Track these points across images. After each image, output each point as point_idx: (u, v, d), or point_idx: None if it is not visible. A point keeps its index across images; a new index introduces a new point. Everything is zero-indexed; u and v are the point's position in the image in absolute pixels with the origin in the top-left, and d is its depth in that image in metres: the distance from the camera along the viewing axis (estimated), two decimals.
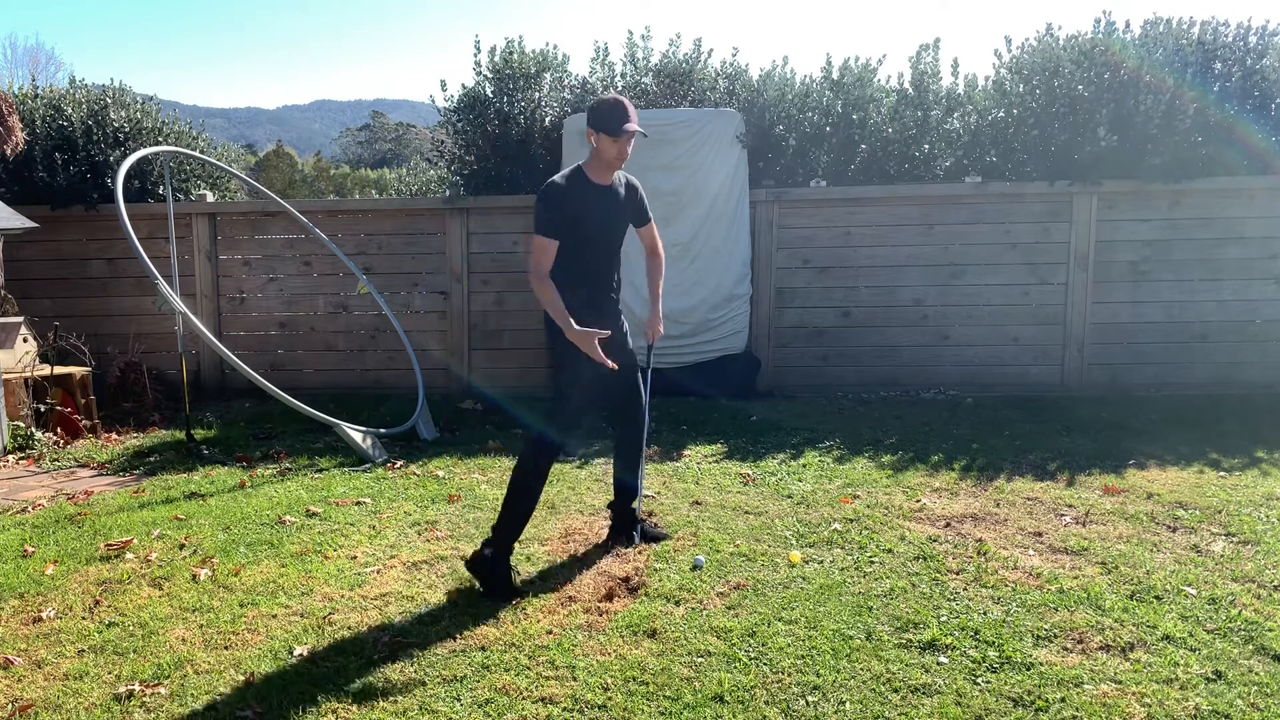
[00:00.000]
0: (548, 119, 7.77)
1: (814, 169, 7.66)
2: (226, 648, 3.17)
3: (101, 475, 5.59)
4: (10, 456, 6.03)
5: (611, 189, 3.86)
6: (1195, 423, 6.24)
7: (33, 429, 6.21)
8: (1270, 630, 3.15)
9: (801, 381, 7.65)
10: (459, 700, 2.79)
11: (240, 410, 7.32)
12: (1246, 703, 2.72)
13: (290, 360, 8.03)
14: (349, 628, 3.29)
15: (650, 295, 4.09)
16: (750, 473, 5.22)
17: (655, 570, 3.74)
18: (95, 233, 7.93)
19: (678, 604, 3.42)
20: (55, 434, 6.32)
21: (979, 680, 2.86)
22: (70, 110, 7.91)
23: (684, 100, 7.69)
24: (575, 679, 2.89)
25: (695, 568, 3.76)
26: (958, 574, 3.69)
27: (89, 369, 6.84)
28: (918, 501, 4.65)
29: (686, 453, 5.73)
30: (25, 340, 6.64)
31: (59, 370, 6.61)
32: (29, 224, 6.70)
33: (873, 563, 3.81)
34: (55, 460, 5.92)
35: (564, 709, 2.73)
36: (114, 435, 6.53)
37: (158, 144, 8.02)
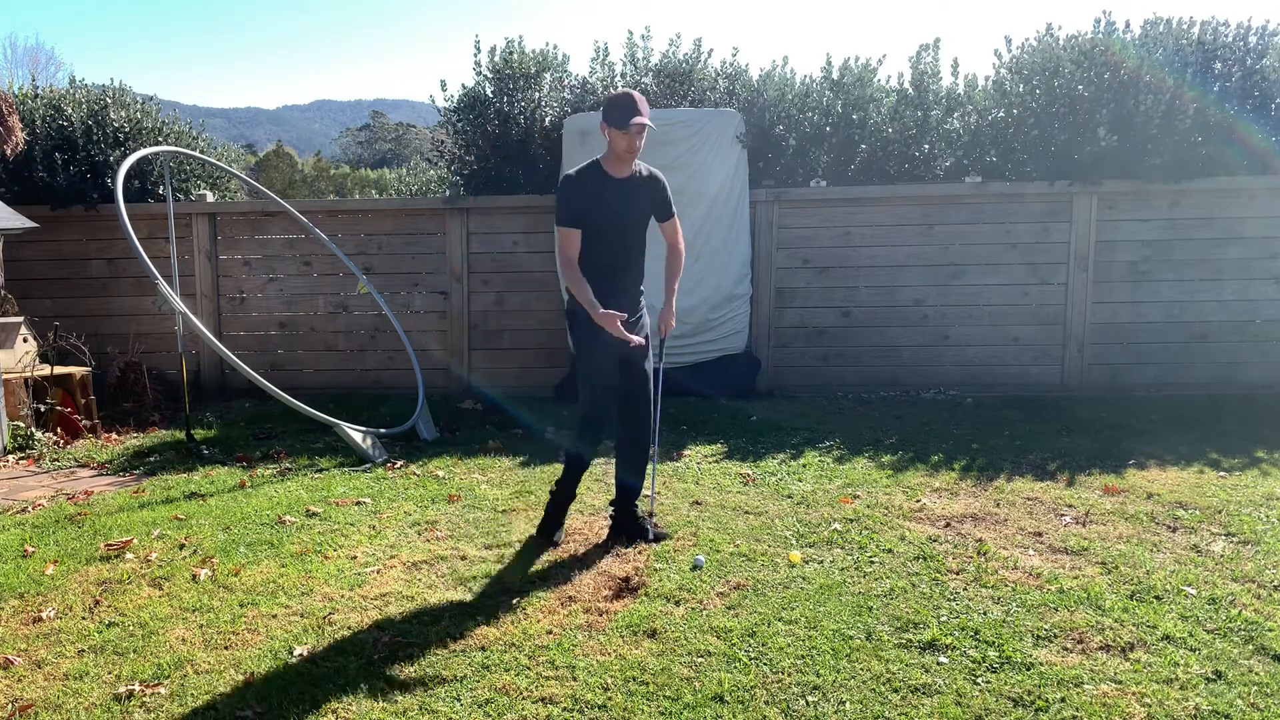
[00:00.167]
0: (548, 119, 7.78)
1: (814, 169, 7.66)
2: (226, 648, 3.17)
3: (101, 475, 5.59)
4: (10, 456, 6.03)
5: (629, 182, 3.91)
6: (1195, 423, 6.24)
7: (33, 429, 6.21)
8: (1270, 630, 3.15)
9: (801, 381, 7.65)
10: (459, 700, 2.79)
11: (240, 410, 7.32)
12: (1246, 703, 2.72)
13: (290, 360, 8.03)
14: (349, 628, 3.29)
15: (665, 290, 4.11)
16: (750, 473, 5.22)
17: (655, 570, 3.74)
18: (95, 233, 7.93)
19: (678, 604, 3.42)
20: (55, 434, 6.32)
21: (979, 680, 2.86)
22: (70, 110, 7.91)
23: (684, 100, 7.70)
24: (575, 679, 2.89)
25: (695, 568, 3.76)
26: (958, 574, 3.69)
27: (89, 369, 6.84)
28: (918, 501, 4.65)
29: (686, 453, 5.73)
30: (25, 340, 6.64)
31: (59, 370, 6.61)
32: (29, 224, 6.70)
33: (873, 563, 3.81)
34: (55, 460, 5.92)
35: (564, 709, 2.73)
36: (114, 435, 6.53)
37: (158, 144, 8.02)
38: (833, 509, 4.52)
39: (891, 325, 7.60)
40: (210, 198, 8.08)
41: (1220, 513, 4.41)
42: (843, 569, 3.74)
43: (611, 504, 4.23)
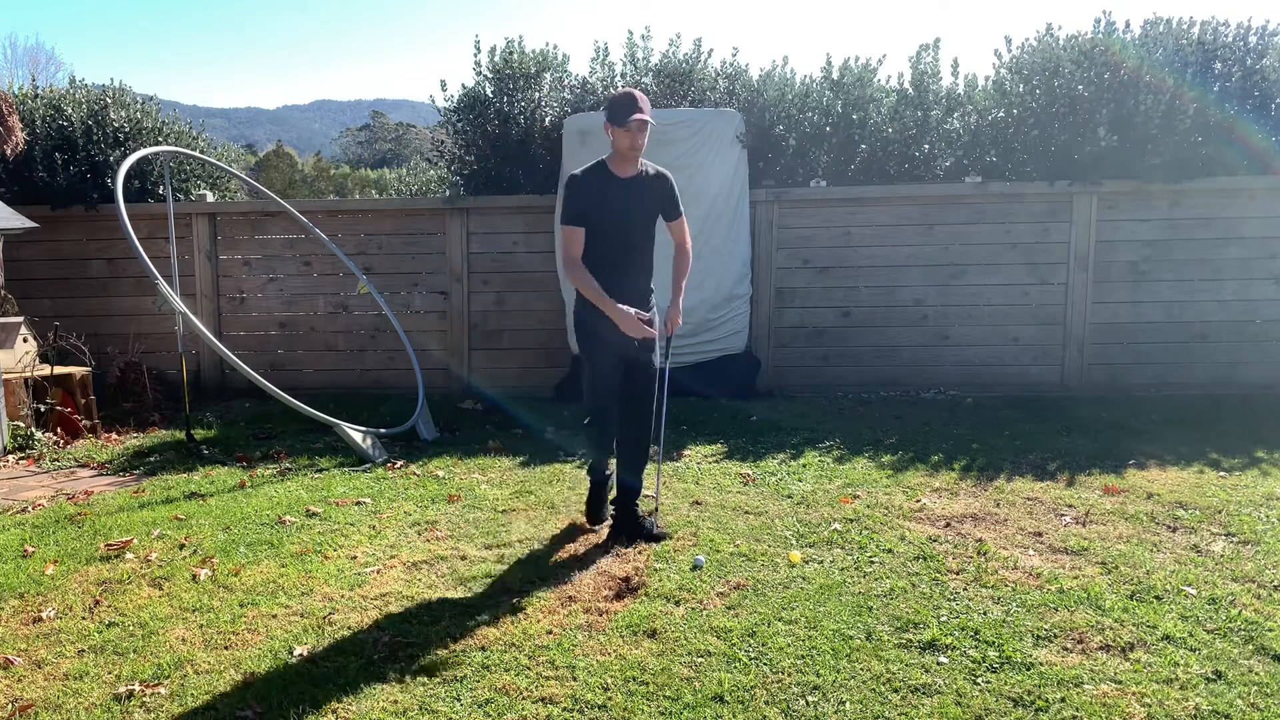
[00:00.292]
0: (548, 119, 7.77)
1: (814, 169, 7.66)
2: (226, 648, 3.17)
3: (101, 475, 5.59)
4: (10, 456, 6.03)
5: (634, 181, 3.94)
6: (1195, 423, 6.24)
7: (33, 429, 6.21)
8: (1270, 630, 3.15)
9: (801, 381, 7.65)
10: (459, 700, 2.79)
11: (240, 410, 7.32)
12: (1246, 703, 2.72)
13: (290, 360, 8.03)
14: (349, 628, 3.29)
15: (673, 289, 4.11)
16: (750, 473, 5.22)
17: (655, 570, 3.74)
18: (95, 233, 7.93)
19: (678, 604, 3.42)
20: (55, 434, 6.32)
21: (979, 680, 2.86)
22: (70, 110, 7.91)
23: (684, 100, 7.69)
24: (575, 679, 2.89)
25: (695, 568, 3.76)
26: (958, 574, 3.69)
27: (89, 369, 6.84)
28: (918, 501, 4.65)
29: (686, 453, 5.73)
30: (25, 340, 6.64)
31: (59, 370, 6.61)
32: (29, 224, 6.70)
33: (873, 563, 3.81)
34: (55, 460, 5.92)
35: (564, 709, 2.73)
36: (114, 435, 6.53)
37: (158, 144, 8.02)
38: (833, 509, 4.52)
39: (891, 325, 7.60)
40: (210, 198, 8.08)
41: (1220, 513, 4.41)
42: (843, 569, 3.74)
43: (612, 503, 4.24)
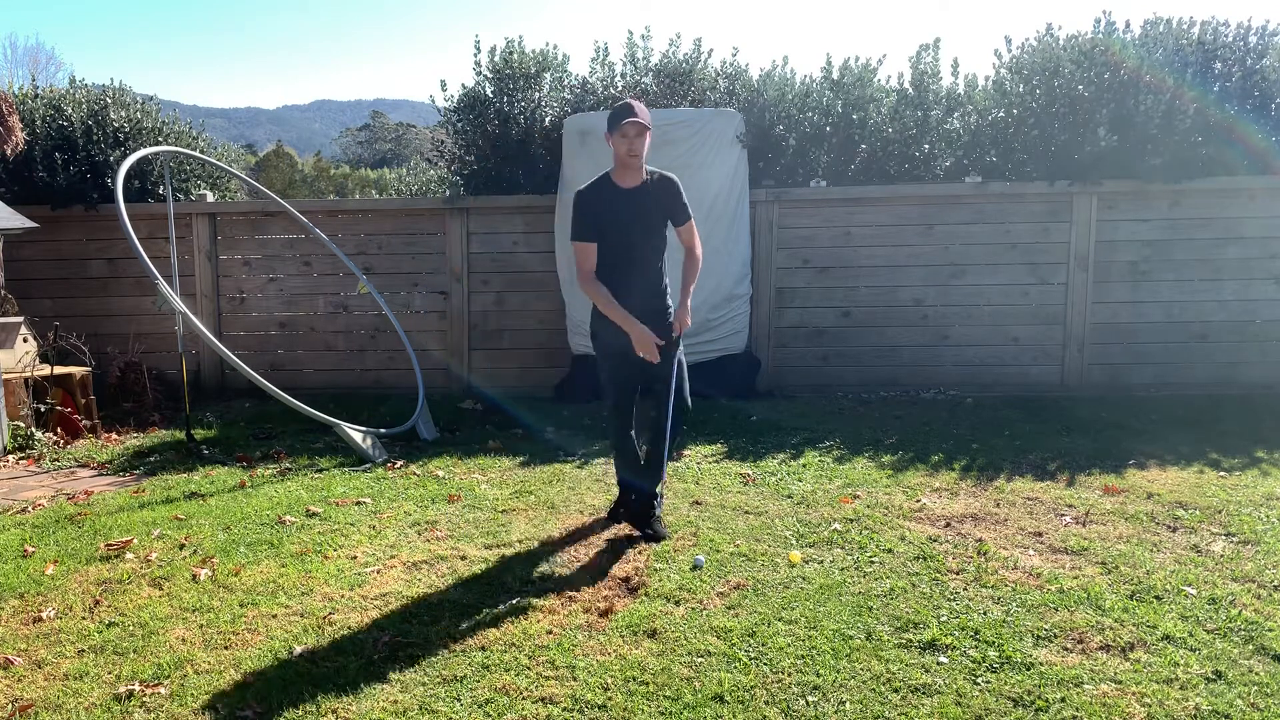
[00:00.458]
0: (548, 119, 7.77)
1: (814, 169, 7.66)
2: (226, 648, 3.17)
3: (101, 475, 5.59)
4: (10, 456, 6.03)
5: (637, 191, 3.97)
6: (1195, 423, 6.24)
7: (33, 429, 6.21)
8: (1270, 630, 3.15)
9: (801, 381, 7.65)
10: (459, 700, 2.79)
11: (240, 410, 7.32)
12: (1246, 703, 2.72)
13: (290, 360, 8.03)
14: (349, 628, 3.29)
15: (681, 292, 4.12)
16: (750, 473, 5.22)
17: (655, 570, 3.74)
18: (95, 233, 7.93)
19: (678, 604, 3.42)
20: (55, 434, 6.32)
21: (979, 680, 2.86)
22: (70, 110, 7.91)
23: (684, 100, 7.69)
24: (575, 679, 2.89)
25: (695, 568, 3.76)
26: (958, 574, 3.69)
27: (89, 369, 6.84)
28: (918, 501, 4.65)
29: (686, 453, 5.73)
30: (25, 340, 6.64)
31: (59, 370, 6.61)
32: (29, 224, 6.70)
33: (873, 563, 3.81)
34: (55, 460, 5.92)
35: (564, 709, 2.73)
36: (114, 435, 6.53)
37: (158, 144, 8.02)
38: (833, 509, 4.52)
39: (891, 325, 7.60)
40: (210, 198, 8.08)
41: (1220, 513, 4.41)
42: (843, 569, 3.74)
43: (618, 500, 4.31)
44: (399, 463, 5.62)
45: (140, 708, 2.79)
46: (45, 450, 6.07)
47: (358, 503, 4.80)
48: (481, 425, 6.66)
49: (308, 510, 4.65)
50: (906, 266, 7.54)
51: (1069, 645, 3.08)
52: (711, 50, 7.92)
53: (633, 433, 4.22)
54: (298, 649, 3.12)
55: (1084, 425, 6.21)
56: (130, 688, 2.89)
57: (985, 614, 3.30)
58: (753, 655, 3.02)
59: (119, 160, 7.53)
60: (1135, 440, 5.81)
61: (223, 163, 8.20)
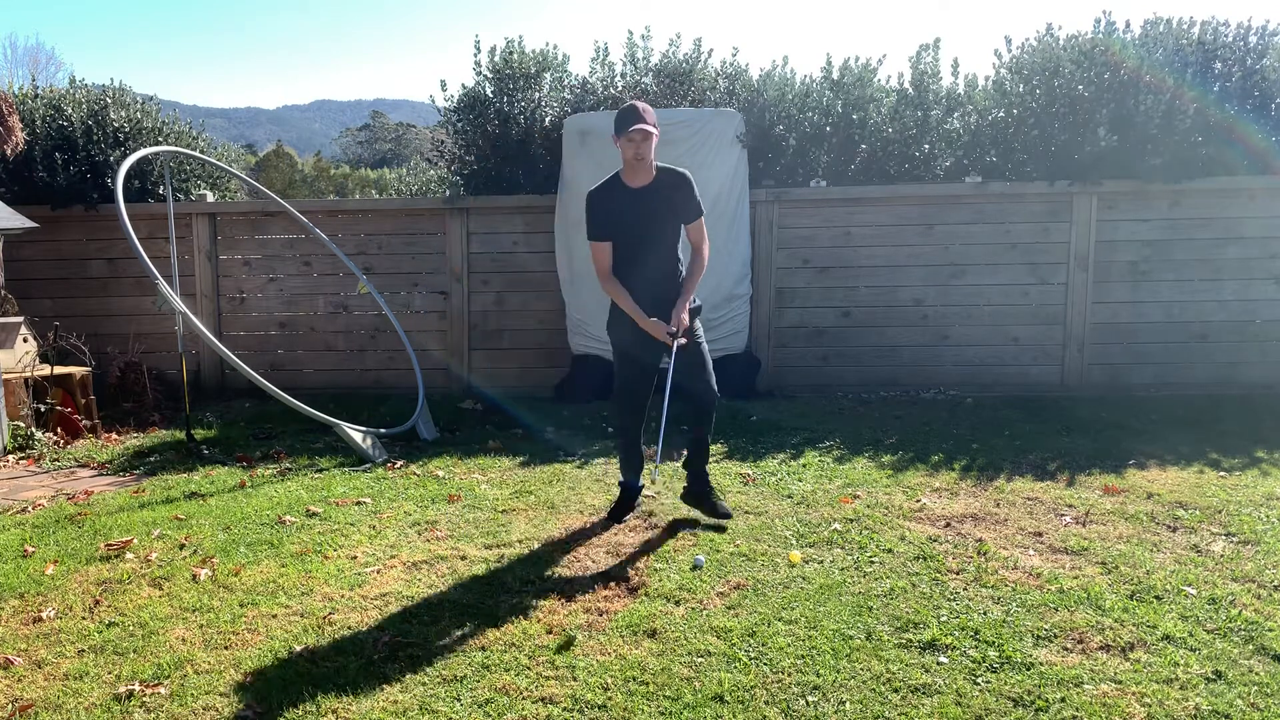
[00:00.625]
0: (548, 119, 7.77)
1: (814, 169, 7.66)
2: (226, 648, 3.17)
3: (101, 475, 5.59)
4: (10, 456, 6.03)
5: (645, 190, 4.06)
6: (1195, 423, 6.24)
7: (33, 429, 6.21)
8: (1270, 630, 3.15)
9: (801, 381, 7.65)
10: (459, 700, 2.79)
11: (240, 410, 7.32)
12: (1246, 703, 2.72)
13: (290, 360, 8.03)
14: (349, 628, 3.29)
15: (683, 288, 4.16)
16: (750, 473, 5.22)
17: (655, 570, 3.74)
18: (95, 233, 7.93)
19: (678, 604, 3.42)
20: (55, 434, 6.32)
21: (979, 680, 2.86)
22: (70, 110, 7.91)
23: (684, 100, 7.69)
24: (575, 679, 2.89)
25: (695, 568, 3.76)
26: (958, 574, 3.69)
27: (89, 369, 6.84)
28: (918, 501, 4.65)
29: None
30: (25, 340, 6.64)
31: (59, 370, 6.61)
32: (29, 224, 6.70)
33: (873, 563, 3.81)
34: (55, 460, 5.92)
35: (564, 709, 2.73)
36: (114, 435, 6.53)
37: (158, 144, 8.02)
38: (833, 509, 4.52)
39: (891, 325, 7.60)
40: (210, 198, 8.08)
41: (1220, 513, 4.41)
42: (843, 569, 3.74)
43: (684, 464, 4.49)
44: (399, 463, 5.62)
45: (140, 708, 2.79)
46: (45, 450, 6.07)
47: (358, 503, 4.80)
48: (481, 425, 6.66)
49: (308, 510, 4.65)
50: (906, 266, 7.54)
51: (1069, 645, 3.08)
52: (711, 50, 7.93)
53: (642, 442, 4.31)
54: (298, 649, 3.12)
55: (1084, 425, 6.21)
56: (130, 688, 2.89)
57: (985, 614, 3.30)
58: (753, 655, 3.02)
59: (119, 160, 7.53)
60: (1135, 440, 5.81)
61: (223, 163, 8.20)
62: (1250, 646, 3.05)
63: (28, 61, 39.77)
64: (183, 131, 8.50)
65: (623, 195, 4.06)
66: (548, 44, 9.15)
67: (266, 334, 8.02)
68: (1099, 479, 4.99)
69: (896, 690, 2.81)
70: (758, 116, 7.50)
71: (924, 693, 2.79)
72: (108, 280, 7.96)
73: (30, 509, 4.83)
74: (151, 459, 5.88)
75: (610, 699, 2.78)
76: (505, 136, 7.79)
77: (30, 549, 4.17)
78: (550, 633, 3.21)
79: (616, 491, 4.58)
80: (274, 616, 3.40)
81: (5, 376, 6.16)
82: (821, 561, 3.83)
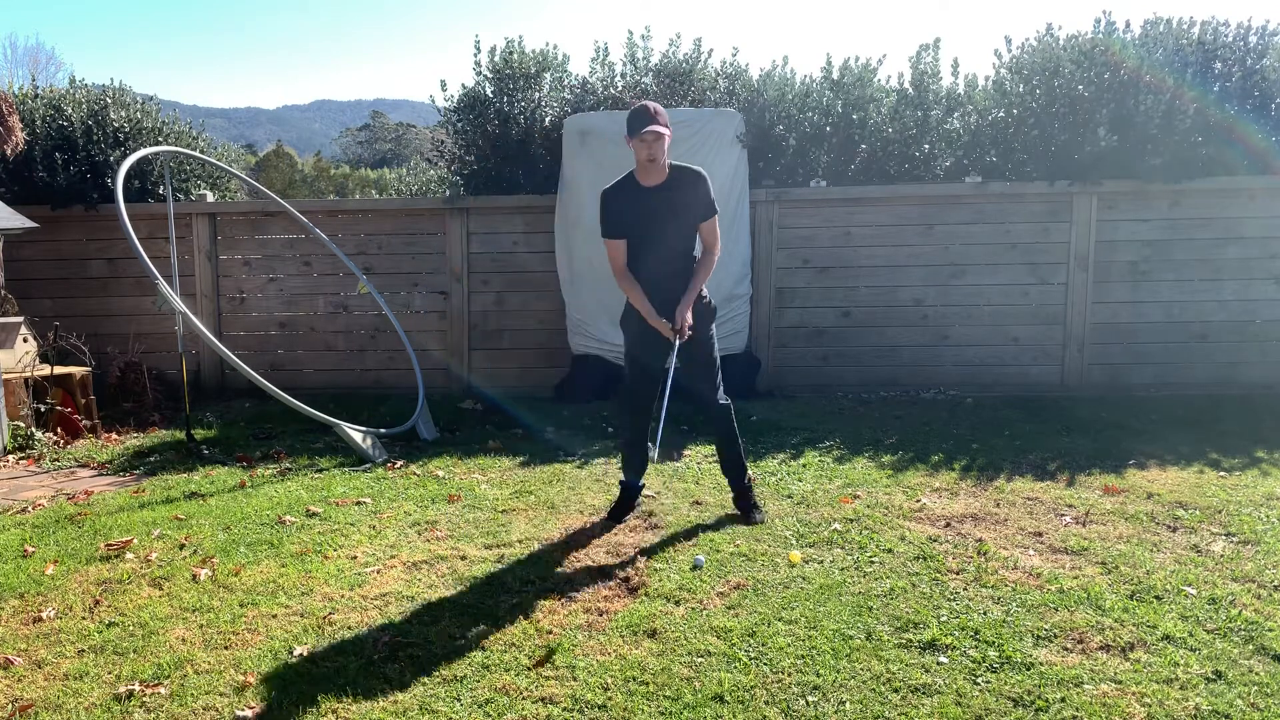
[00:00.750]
0: (548, 119, 7.77)
1: (814, 169, 7.66)
2: (226, 648, 3.17)
3: (101, 475, 5.59)
4: (10, 456, 6.03)
5: (658, 189, 4.10)
6: (1195, 423, 6.24)
7: (33, 429, 6.21)
8: (1270, 630, 3.15)
9: (801, 381, 7.65)
10: (459, 700, 2.79)
11: (240, 410, 7.32)
12: (1246, 703, 2.72)
13: (290, 360, 8.03)
14: (349, 628, 3.29)
15: (689, 286, 4.18)
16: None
17: (655, 570, 3.74)
18: (95, 233, 7.93)
19: (678, 604, 3.42)
20: (55, 434, 6.32)
21: (979, 680, 2.86)
22: (70, 110, 7.91)
23: (684, 100, 7.69)
24: (575, 679, 2.89)
25: (695, 568, 3.76)
26: (958, 574, 3.69)
27: (89, 369, 6.84)
28: (918, 501, 4.65)
29: (687, 453, 5.73)
30: (25, 340, 6.64)
31: (59, 370, 6.61)
32: (29, 224, 6.70)
33: (873, 563, 3.81)
34: (55, 460, 5.92)
35: (564, 709, 2.73)
36: (114, 435, 6.53)
37: (158, 144, 8.02)
38: (833, 509, 4.52)
39: (891, 325, 7.60)
40: (210, 198, 8.08)
41: (1220, 513, 4.41)
42: (843, 569, 3.74)
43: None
44: (399, 463, 5.62)
45: (140, 708, 2.79)
46: (45, 450, 6.07)
47: (358, 503, 4.80)
48: (481, 425, 6.66)
49: (308, 510, 4.65)
50: (906, 266, 7.54)
51: (1069, 645, 3.08)
52: (711, 50, 7.93)
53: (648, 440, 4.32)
54: (298, 649, 3.12)
55: (1084, 425, 6.21)
56: (130, 688, 2.89)
57: (985, 614, 3.30)
58: (753, 655, 3.02)
59: (119, 160, 7.53)
60: (1135, 440, 5.81)
61: (223, 163, 8.20)
62: (1250, 646, 3.05)
63: (28, 61, 39.79)
64: (183, 131, 8.50)
65: (636, 193, 4.10)
66: (548, 44, 9.16)
67: (266, 334, 8.02)
68: (1099, 479, 4.99)
69: (896, 690, 2.81)
70: (758, 116, 7.50)
71: (924, 693, 2.79)
72: (108, 280, 7.96)
73: (30, 509, 4.83)
74: (151, 459, 5.88)
75: (610, 699, 2.78)
76: (505, 136, 7.79)
77: (30, 549, 4.17)
78: (550, 633, 3.21)
79: (617, 491, 4.58)
80: (274, 616, 3.40)
81: (5, 376, 6.16)
82: (821, 561, 3.83)
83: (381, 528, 4.38)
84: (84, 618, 3.43)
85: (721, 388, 4.34)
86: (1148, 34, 7.37)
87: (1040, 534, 4.15)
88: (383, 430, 6.13)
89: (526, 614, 3.36)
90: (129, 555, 4.06)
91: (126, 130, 8.00)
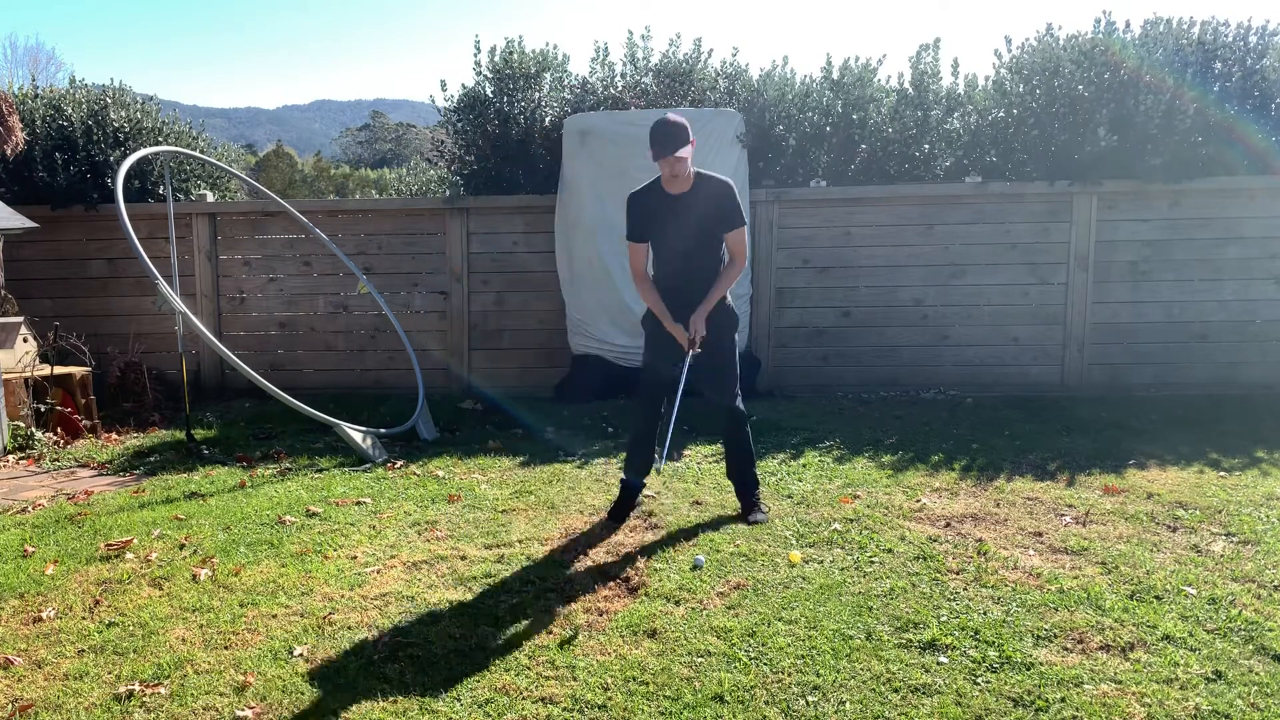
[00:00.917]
0: (548, 119, 7.77)
1: (814, 169, 7.66)
2: (226, 648, 3.17)
3: (101, 475, 5.59)
4: (10, 456, 6.03)
5: (683, 197, 4.14)
6: (1195, 423, 6.24)
7: (33, 429, 6.21)
8: (1270, 630, 3.15)
9: (801, 381, 7.65)
10: (459, 700, 2.79)
11: (240, 410, 7.32)
12: (1246, 703, 2.72)
13: (290, 360, 8.03)
14: (349, 628, 3.29)
15: (708, 293, 4.20)
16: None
17: (655, 570, 3.74)
18: (95, 233, 7.93)
19: (678, 604, 3.42)
20: (55, 434, 6.32)
21: (979, 680, 2.86)
22: (70, 110, 7.91)
23: (684, 100, 7.69)
24: (575, 679, 2.89)
25: (695, 568, 3.76)
26: (958, 574, 3.69)
27: (89, 369, 6.84)
28: (918, 501, 4.65)
29: (686, 453, 5.72)
30: (25, 340, 6.64)
31: (59, 370, 6.61)
32: (29, 224, 6.70)
33: (873, 563, 3.81)
34: (55, 460, 5.92)
35: (564, 709, 2.73)
36: (114, 435, 6.53)
37: (158, 144, 8.02)
38: (833, 509, 4.52)
39: (891, 325, 7.60)
40: (210, 198, 8.08)
41: (1220, 513, 4.41)
42: (843, 569, 3.74)
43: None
44: (399, 463, 5.62)
45: (140, 708, 2.79)
46: (45, 450, 6.07)
47: (358, 503, 4.80)
48: (481, 425, 6.66)
49: (308, 510, 4.65)
50: (906, 266, 7.54)
51: (1069, 645, 3.08)
52: (711, 50, 7.93)
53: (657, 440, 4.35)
54: (298, 649, 3.12)
55: (1084, 425, 6.21)
56: (130, 688, 2.89)
57: (985, 614, 3.30)
58: (753, 655, 3.02)
59: (119, 160, 7.53)
60: (1135, 440, 5.81)
61: (223, 163, 8.20)
62: (1250, 646, 3.05)
63: (28, 61, 39.77)
64: (183, 131, 8.50)
65: (660, 199, 4.15)
66: (548, 44, 9.16)
67: (266, 334, 8.02)
68: (1099, 479, 4.99)
69: (896, 690, 2.81)
70: (758, 116, 7.50)
71: (924, 693, 2.79)
72: (108, 280, 7.96)
73: (30, 509, 4.84)
74: (151, 459, 5.88)
75: (610, 699, 2.78)
76: (505, 136, 7.79)
77: (30, 549, 4.17)
78: (550, 633, 3.21)
79: (617, 491, 4.58)
80: (274, 616, 3.40)
81: (5, 376, 6.16)
82: (821, 561, 3.83)
83: (381, 528, 4.38)
84: (84, 618, 3.43)
85: (740, 395, 4.35)
86: (1148, 34, 7.37)
87: (1040, 534, 4.15)
88: (383, 430, 6.13)
89: (526, 614, 3.36)
90: (129, 555, 4.06)
91: (126, 130, 8.00)
